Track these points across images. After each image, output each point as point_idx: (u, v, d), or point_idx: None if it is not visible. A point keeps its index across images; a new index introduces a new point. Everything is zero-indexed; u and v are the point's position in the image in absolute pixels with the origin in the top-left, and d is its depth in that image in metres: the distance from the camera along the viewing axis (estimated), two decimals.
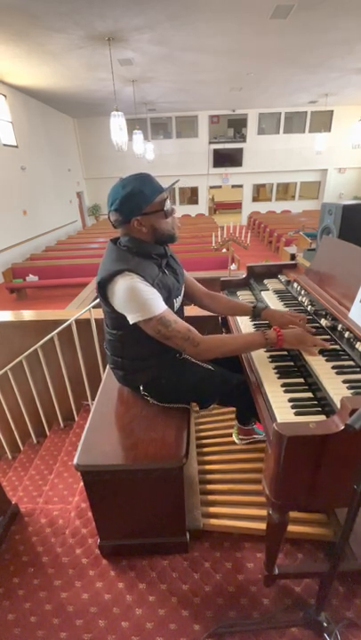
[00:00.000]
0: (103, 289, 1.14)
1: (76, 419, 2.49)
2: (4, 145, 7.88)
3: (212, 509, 1.47)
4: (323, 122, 12.24)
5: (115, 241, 1.22)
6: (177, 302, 1.28)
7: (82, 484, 1.34)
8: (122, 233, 1.19)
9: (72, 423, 2.54)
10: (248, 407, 1.39)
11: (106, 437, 1.25)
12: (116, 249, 1.18)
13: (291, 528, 1.28)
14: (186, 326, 1.14)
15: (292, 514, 1.09)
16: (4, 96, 7.87)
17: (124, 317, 1.14)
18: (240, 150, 12.75)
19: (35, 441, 2.64)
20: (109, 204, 1.14)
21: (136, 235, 1.16)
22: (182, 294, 1.35)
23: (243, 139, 12.71)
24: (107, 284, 1.12)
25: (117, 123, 6.08)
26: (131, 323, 1.11)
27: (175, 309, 1.24)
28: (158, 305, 1.10)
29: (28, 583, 1.31)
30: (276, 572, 1.10)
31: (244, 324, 1.47)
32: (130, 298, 1.08)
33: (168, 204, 1.15)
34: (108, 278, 1.11)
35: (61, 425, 2.60)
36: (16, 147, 8.41)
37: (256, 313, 1.36)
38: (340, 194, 13.46)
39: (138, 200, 1.10)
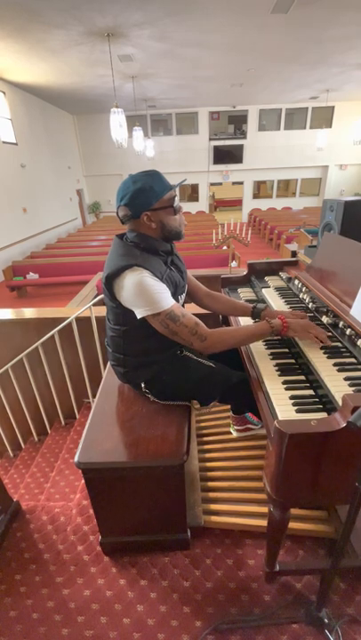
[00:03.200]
0: (110, 283, 1.13)
1: (77, 416, 2.50)
2: (4, 142, 7.85)
3: (214, 506, 1.47)
4: (324, 118, 12.17)
5: (121, 236, 1.22)
6: (181, 299, 1.29)
7: (83, 481, 1.35)
8: (129, 229, 1.18)
9: (73, 421, 2.55)
10: (249, 405, 1.38)
11: (107, 435, 1.25)
12: (123, 244, 1.17)
13: (292, 525, 1.29)
14: (194, 320, 1.14)
15: (294, 511, 1.09)
16: (4, 93, 7.83)
17: (128, 313, 1.13)
18: (240, 147, 12.69)
19: (36, 439, 2.65)
20: (119, 198, 1.13)
21: (144, 230, 1.16)
22: (186, 292, 1.34)
23: (243, 135, 12.63)
24: (114, 279, 1.12)
25: (117, 119, 6.04)
26: (138, 317, 1.11)
27: None
28: (167, 299, 1.10)
29: (30, 580, 1.32)
30: (277, 568, 1.10)
31: (245, 321, 1.46)
32: (139, 292, 1.08)
33: (177, 201, 1.16)
34: (117, 272, 1.10)
35: (62, 422, 2.61)
36: (15, 144, 8.38)
37: (255, 314, 1.35)
38: (341, 190, 13.40)
39: (148, 195, 1.10)
